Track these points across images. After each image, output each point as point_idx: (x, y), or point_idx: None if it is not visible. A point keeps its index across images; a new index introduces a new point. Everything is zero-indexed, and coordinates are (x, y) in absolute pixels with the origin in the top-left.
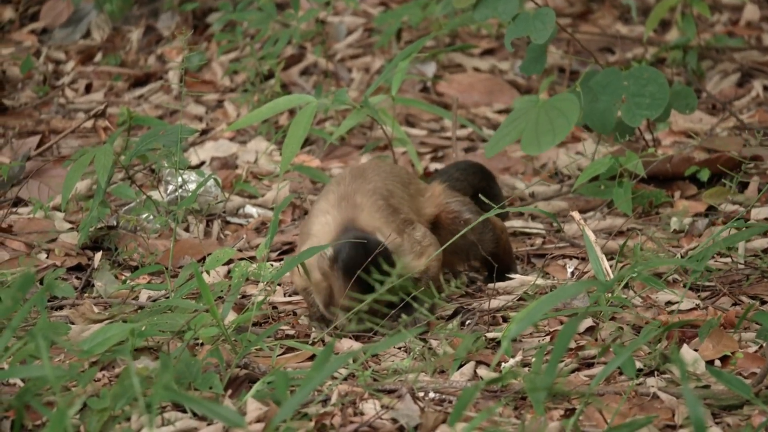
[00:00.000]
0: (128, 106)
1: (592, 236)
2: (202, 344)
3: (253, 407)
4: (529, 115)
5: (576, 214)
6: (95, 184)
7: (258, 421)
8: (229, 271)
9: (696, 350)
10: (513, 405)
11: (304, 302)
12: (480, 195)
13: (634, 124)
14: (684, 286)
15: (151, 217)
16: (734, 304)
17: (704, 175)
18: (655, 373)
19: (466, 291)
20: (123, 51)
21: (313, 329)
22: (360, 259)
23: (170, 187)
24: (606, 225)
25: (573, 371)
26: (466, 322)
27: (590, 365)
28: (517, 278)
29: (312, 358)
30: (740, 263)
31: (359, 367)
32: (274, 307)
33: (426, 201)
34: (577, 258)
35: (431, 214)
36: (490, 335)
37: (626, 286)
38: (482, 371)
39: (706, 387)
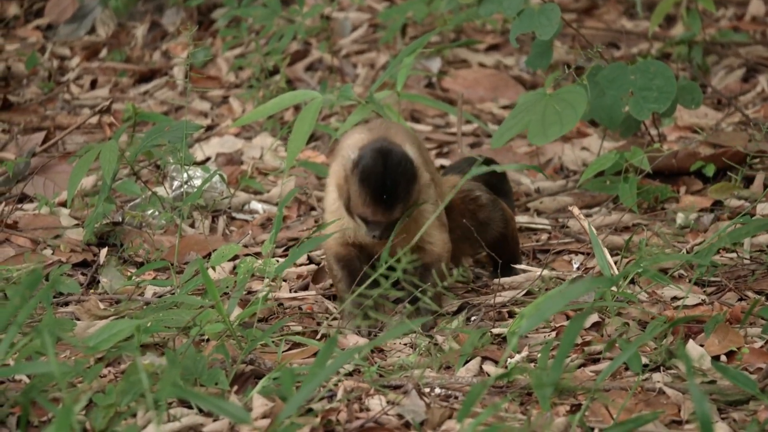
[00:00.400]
0: (133, 102)
1: (587, 226)
2: (207, 340)
3: (259, 403)
4: (536, 107)
5: (575, 209)
6: (100, 180)
7: (264, 417)
8: (234, 267)
9: (702, 345)
10: (519, 401)
11: (328, 274)
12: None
13: (642, 118)
14: (690, 282)
15: (157, 213)
16: (740, 300)
17: (710, 170)
18: (661, 368)
19: (471, 287)
20: (128, 47)
21: (347, 321)
22: (379, 167)
23: (175, 183)
24: (612, 220)
25: (579, 367)
26: (472, 318)
27: (596, 361)
28: (522, 273)
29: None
30: (746, 258)
31: (365, 363)
32: (280, 303)
33: (443, 187)
34: (582, 253)
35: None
36: (495, 331)
37: (632, 281)
38: (488, 367)
39: (712, 382)
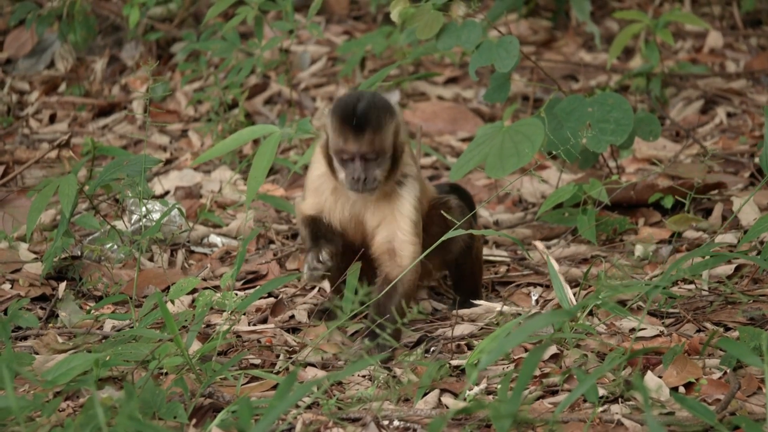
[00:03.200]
0: (92, 136)
1: (556, 266)
2: (166, 373)
3: None
4: (494, 139)
5: (539, 244)
6: (59, 215)
7: None
8: (193, 301)
9: (660, 377)
10: None
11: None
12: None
13: (600, 150)
14: (647, 313)
15: (116, 246)
16: (698, 331)
17: (668, 202)
18: (620, 400)
19: (430, 319)
20: (87, 81)
21: (306, 272)
22: (353, 97)
23: (134, 217)
24: (570, 252)
25: (538, 399)
26: (431, 350)
27: (555, 392)
28: (482, 305)
29: (277, 387)
30: (704, 290)
31: (323, 396)
32: (239, 336)
33: (426, 189)
34: (541, 285)
35: (425, 210)
36: (454, 362)
37: (591, 313)
38: (447, 399)
39: (671, 413)
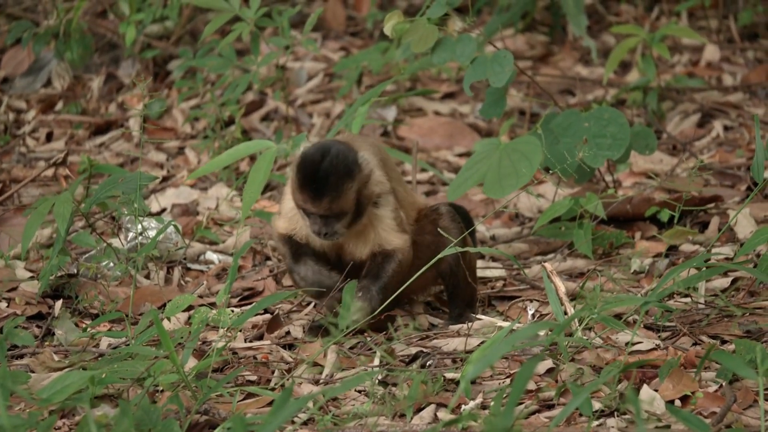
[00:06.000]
0: (89, 154)
1: (562, 288)
2: (162, 391)
3: None
4: (491, 158)
5: (548, 266)
6: (55, 233)
7: None
8: (189, 318)
9: (656, 390)
10: None
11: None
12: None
13: (596, 165)
14: (640, 324)
15: (112, 264)
16: (694, 344)
17: (664, 215)
18: (615, 413)
19: (426, 334)
20: (84, 99)
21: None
22: (317, 156)
23: (130, 235)
24: (567, 266)
25: (533, 413)
26: (427, 364)
27: (551, 407)
28: (482, 320)
29: (273, 403)
30: (700, 303)
31: (319, 412)
32: (235, 353)
33: (411, 199)
34: (538, 300)
35: (412, 220)
36: (449, 375)
37: (588, 327)
38: (442, 414)
39: (667, 427)
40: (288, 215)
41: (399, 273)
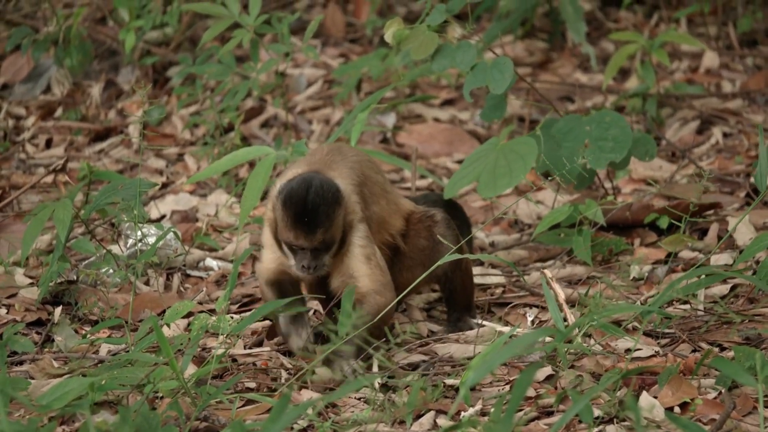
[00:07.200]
0: (89, 161)
1: (561, 295)
2: (161, 397)
3: None
4: (488, 157)
5: (548, 272)
6: (55, 239)
7: None
8: (188, 324)
9: (655, 397)
10: None
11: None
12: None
13: (599, 168)
14: (639, 331)
15: (111, 271)
16: (693, 351)
17: (664, 222)
18: (615, 420)
19: (426, 341)
20: (83, 106)
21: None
22: (302, 191)
23: (130, 241)
24: (566, 273)
25: (532, 420)
26: (428, 371)
27: (550, 414)
28: (481, 324)
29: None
30: (699, 310)
31: (318, 418)
32: (234, 360)
33: (396, 208)
34: (537, 307)
35: (400, 227)
36: (449, 381)
37: (587, 334)
38: (442, 421)
39: None
40: (269, 243)
41: (376, 313)
